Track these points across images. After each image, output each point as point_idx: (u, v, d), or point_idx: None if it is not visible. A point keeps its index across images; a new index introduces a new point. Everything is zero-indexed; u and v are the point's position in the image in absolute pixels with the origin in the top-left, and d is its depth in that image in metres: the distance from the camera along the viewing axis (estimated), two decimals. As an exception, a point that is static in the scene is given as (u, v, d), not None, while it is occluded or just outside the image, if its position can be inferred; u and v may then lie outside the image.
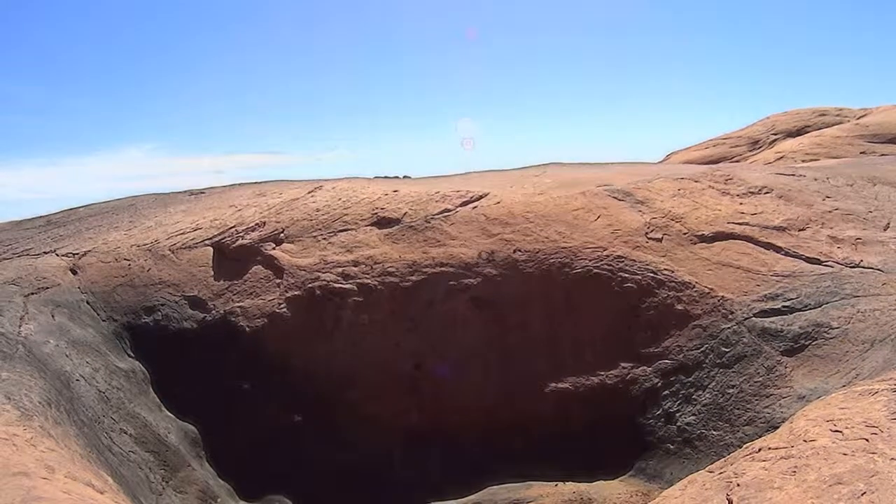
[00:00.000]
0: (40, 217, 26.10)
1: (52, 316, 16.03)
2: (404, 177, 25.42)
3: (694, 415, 13.89)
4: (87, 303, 17.71)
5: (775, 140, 44.79)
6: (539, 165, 24.02)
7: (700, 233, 16.59)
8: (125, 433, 14.43)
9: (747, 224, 16.85)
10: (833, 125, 44.47)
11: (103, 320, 17.38)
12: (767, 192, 18.46)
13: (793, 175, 20.54)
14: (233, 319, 17.12)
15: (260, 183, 25.43)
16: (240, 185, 26.15)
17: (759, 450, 9.18)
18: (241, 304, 17.30)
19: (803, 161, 35.18)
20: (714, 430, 13.45)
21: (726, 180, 19.12)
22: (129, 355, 16.86)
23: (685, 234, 16.57)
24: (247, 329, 16.92)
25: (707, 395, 14.01)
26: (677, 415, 14.18)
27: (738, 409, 13.56)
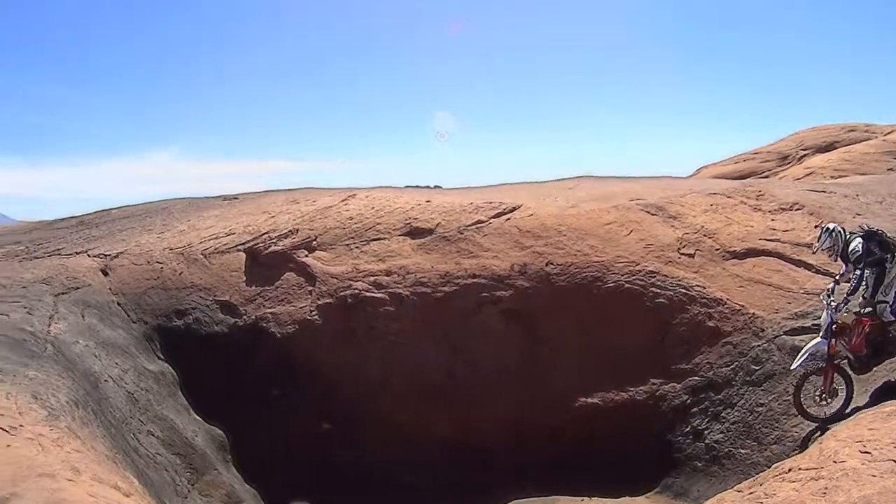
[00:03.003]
0: (72, 217, 26.19)
1: (82, 316, 16.05)
2: (435, 186, 25.37)
3: (722, 432, 13.78)
4: (118, 304, 17.73)
5: (804, 155, 44.51)
6: (572, 178, 23.93)
7: (732, 249, 16.47)
8: (152, 435, 14.43)
9: (779, 241, 16.71)
10: (861, 141, 44.14)
11: (134, 322, 17.40)
12: (798, 209, 18.32)
13: (823, 191, 20.40)
14: (263, 325, 17.14)
15: (293, 190, 25.40)
16: (273, 191, 26.15)
17: (789, 470, 9.16)
18: (272, 310, 17.31)
19: (832, 177, 34.90)
20: (742, 449, 13.32)
21: (758, 196, 18.99)
22: (158, 357, 16.88)
23: (717, 249, 16.46)
24: (277, 335, 16.93)
25: (736, 413, 13.89)
26: (706, 432, 14.08)
27: (766, 427, 13.41)
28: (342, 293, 17.08)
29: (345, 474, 15.53)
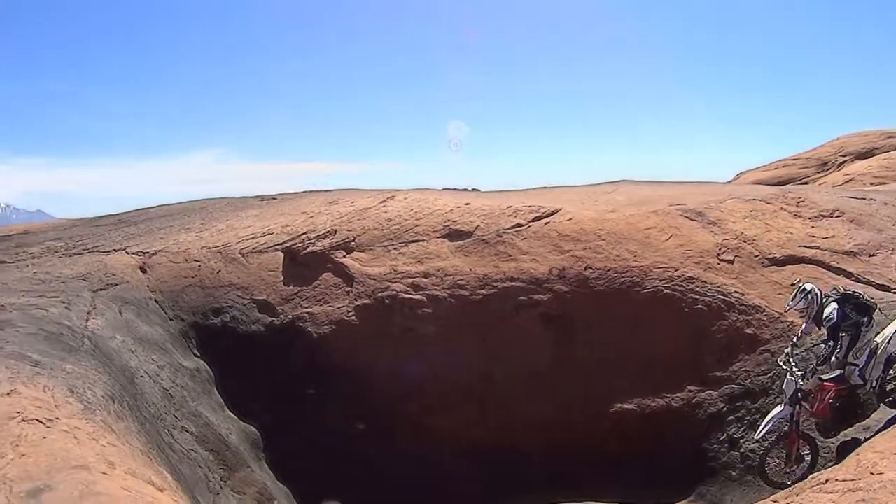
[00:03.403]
0: (112, 215, 26.38)
1: (120, 312, 16.13)
2: (473, 189, 25.35)
3: (758, 442, 13.71)
4: (156, 301, 17.84)
5: (844, 162, 44.16)
6: (611, 182, 23.87)
7: (771, 255, 16.28)
8: (187, 431, 14.47)
9: (818, 248, 16.54)
10: (901, 148, 43.91)
11: (171, 319, 17.51)
12: (839, 216, 18.15)
13: (863, 199, 20.19)
14: (300, 325, 17.16)
15: (332, 191, 25.44)
16: (311, 192, 26.19)
17: (826, 481, 9.07)
18: (309, 309, 17.32)
19: (871, 184, 34.69)
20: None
21: (798, 202, 18.82)
22: (194, 355, 16.97)
23: (756, 256, 16.28)
24: (314, 335, 16.95)
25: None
26: (741, 441, 13.90)
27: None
28: (380, 294, 17.08)
29: (378, 475, 15.51)
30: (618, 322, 15.73)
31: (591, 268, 16.32)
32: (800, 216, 18.04)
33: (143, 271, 18.73)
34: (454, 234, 18.07)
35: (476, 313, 16.48)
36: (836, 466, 10.12)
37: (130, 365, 14.40)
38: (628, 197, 19.93)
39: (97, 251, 20.34)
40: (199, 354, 17.05)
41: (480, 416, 15.81)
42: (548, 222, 17.82)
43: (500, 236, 17.57)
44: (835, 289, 12.13)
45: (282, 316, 17.47)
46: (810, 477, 10.40)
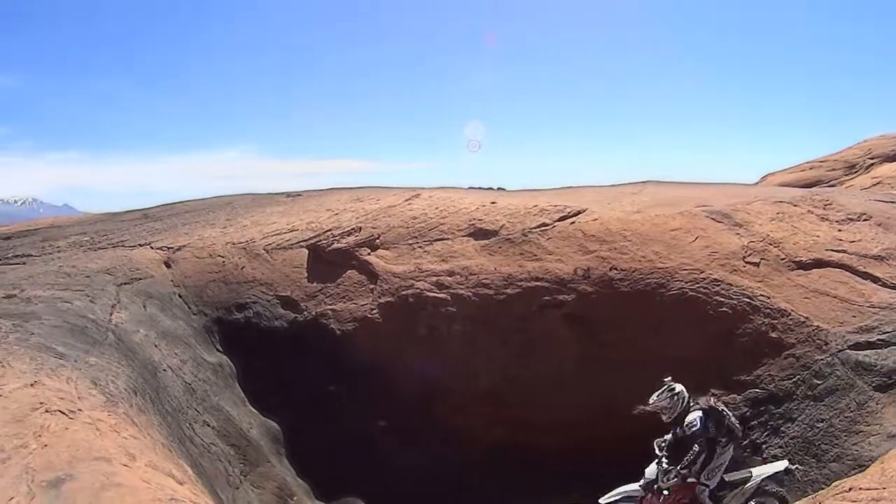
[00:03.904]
0: (137, 210, 26.53)
1: (144, 306, 16.19)
2: (498, 188, 25.31)
3: (781, 447, 13.51)
4: (179, 296, 17.91)
5: (872, 164, 43.89)
6: (637, 183, 23.78)
7: (798, 259, 16.14)
8: (208, 425, 14.52)
9: (845, 252, 16.38)
10: (931, 150, 43.72)
11: (194, 314, 17.57)
12: (866, 220, 17.97)
13: (891, 202, 20.03)
14: (324, 321, 17.18)
15: (357, 188, 25.48)
16: (337, 189, 26.27)
17: (850, 489, 9.00)
18: (332, 306, 17.34)
19: (900, 187, 34.58)
20: (800, 465, 12.98)
21: (825, 205, 18.66)
22: (217, 349, 17.03)
23: (783, 259, 16.16)
24: (337, 332, 16.98)
25: (795, 428, 13.63)
26: (764, 446, 13.80)
27: (825, 444, 13.16)
28: (404, 292, 17.06)
29: (398, 473, 15.50)
30: (642, 324, 15.65)
31: (616, 269, 16.24)
32: (827, 219, 17.91)
33: (168, 266, 18.80)
34: (479, 233, 18.01)
35: (500, 313, 16.42)
36: (860, 474, 10.05)
37: (153, 359, 14.48)
38: (654, 198, 19.83)
39: (122, 246, 20.44)
40: (221, 349, 17.12)
41: (502, 415, 15.75)
42: (573, 222, 17.74)
43: (526, 236, 17.49)
44: (706, 398, 11.88)
45: (305, 312, 17.51)
46: (833, 485, 10.33)
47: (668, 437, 12.07)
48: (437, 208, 19.60)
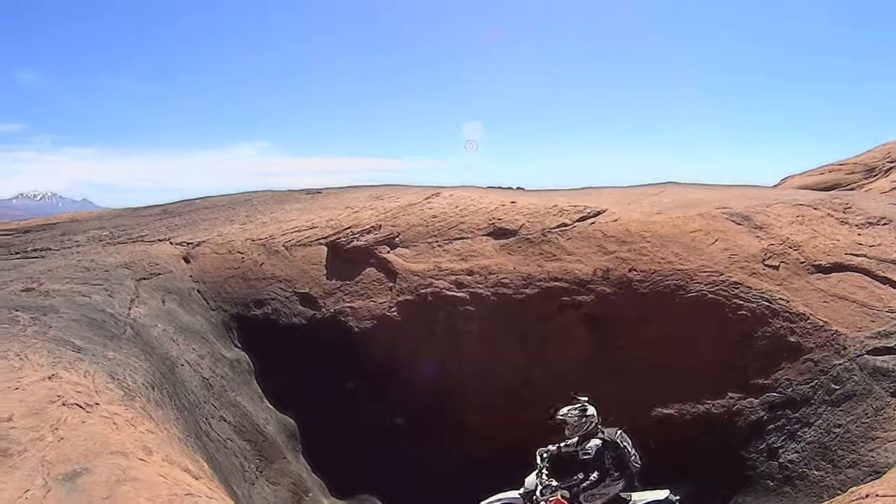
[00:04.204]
0: (157, 206, 26.58)
1: (163, 301, 16.22)
2: (518, 188, 25.31)
3: (797, 452, 13.49)
4: (198, 291, 17.93)
5: (891, 168, 43.46)
6: (657, 184, 23.76)
7: (817, 262, 16.08)
8: (224, 420, 14.54)
9: (865, 256, 16.32)
10: (951, 154, 43.40)
11: (212, 309, 17.58)
12: (885, 224, 17.87)
13: (911, 206, 20.04)
14: (342, 319, 17.17)
15: (377, 186, 25.52)
16: (356, 187, 26.31)
17: (866, 496, 8.95)
18: (351, 304, 17.33)
19: (919, 191, 34.39)
20: (816, 470, 13.04)
21: (845, 209, 18.58)
22: (235, 345, 17.04)
23: (802, 262, 16.10)
24: (355, 329, 16.96)
25: (812, 433, 13.59)
26: (780, 451, 13.77)
27: (842, 449, 13.11)
28: (422, 291, 17.05)
29: (414, 471, 15.49)
30: (660, 325, 15.61)
31: (635, 270, 16.20)
32: (846, 223, 17.86)
33: (187, 262, 18.82)
34: (499, 233, 17.99)
35: (518, 312, 16.39)
36: (877, 480, 10.01)
37: (171, 353, 14.51)
38: (674, 199, 19.80)
39: (141, 241, 20.48)
40: (239, 345, 17.13)
41: (518, 415, 15.64)
42: (593, 223, 17.71)
43: (545, 235, 17.47)
44: (616, 430, 11.87)
45: (324, 309, 17.50)
46: (849, 491, 10.30)
47: (552, 448, 12.18)
48: (456, 207, 19.58)
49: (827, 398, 13.79)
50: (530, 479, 11.99)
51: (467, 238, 18.06)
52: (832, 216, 18.17)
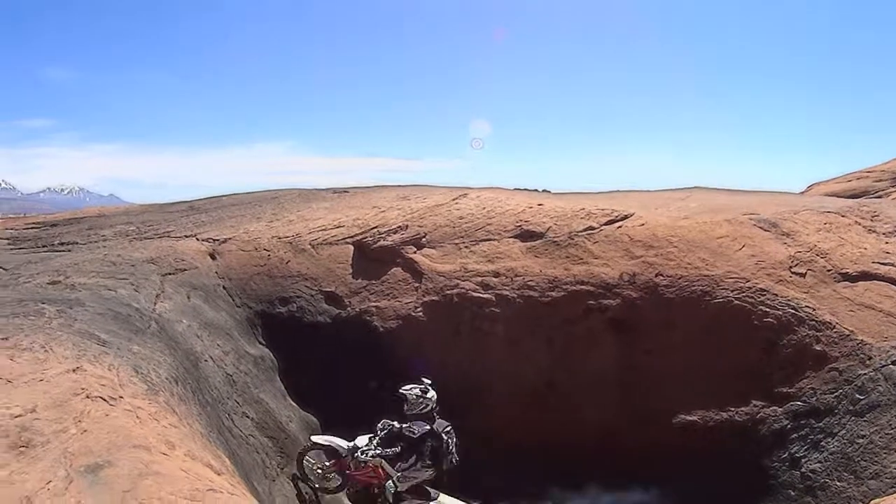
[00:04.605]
0: (184, 202, 26.66)
1: (188, 297, 16.25)
2: (543, 190, 25.30)
3: (820, 462, 13.41)
4: (224, 288, 17.96)
5: (920, 176, 43.39)
6: (684, 189, 23.70)
7: (844, 271, 15.96)
8: (247, 417, 14.56)
9: (892, 265, 16.12)
10: (980, 160, 43.06)
11: (238, 306, 17.62)
12: (913, 233, 17.89)
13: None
14: (367, 318, 17.19)
15: (404, 186, 25.52)
16: (383, 186, 26.33)
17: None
18: (376, 303, 17.35)
19: (947, 199, 34.17)
20: (838, 481, 12.96)
21: (873, 217, 18.43)
22: (259, 342, 17.06)
23: (829, 270, 15.98)
24: (380, 329, 16.98)
25: (835, 443, 13.49)
26: (803, 460, 13.68)
27: (865, 460, 13.00)
28: (448, 292, 17.05)
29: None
30: (686, 331, 15.58)
31: (661, 275, 16.15)
32: (874, 231, 17.74)
33: (213, 258, 18.87)
34: (526, 235, 17.96)
35: (544, 315, 16.38)
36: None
37: (195, 349, 14.53)
38: (701, 204, 19.74)
39: (168, 236, 20.54)
40: (263, 342, 17.15)
41: (542, 417, 15.68)
42: (620, 226, 17.67)
43: (572, 239, 17.43)
44: (447, 424, 12.44)
45: (349, 308, 17.52)
46: (872, 502, 10.26)
47: (394, 423, 12.37)
48: (483, 209, 19.57)
49: (851, 408, 13.69)
50: (362, 439, 12.64)
51: (494, 240, 18.04)
52: (860, 224, 18.07)
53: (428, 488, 12.41)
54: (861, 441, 13.23)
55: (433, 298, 17.06)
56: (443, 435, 12.12)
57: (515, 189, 24.77)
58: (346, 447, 12.75)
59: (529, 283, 16.68)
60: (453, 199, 20.71)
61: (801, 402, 14.26)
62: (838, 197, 31.10)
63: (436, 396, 12.32)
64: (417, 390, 12.21)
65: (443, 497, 12.44)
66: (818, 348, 14.55)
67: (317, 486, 13.50)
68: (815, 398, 14.14)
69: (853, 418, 13.57)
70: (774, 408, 14.44)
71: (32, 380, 8.92)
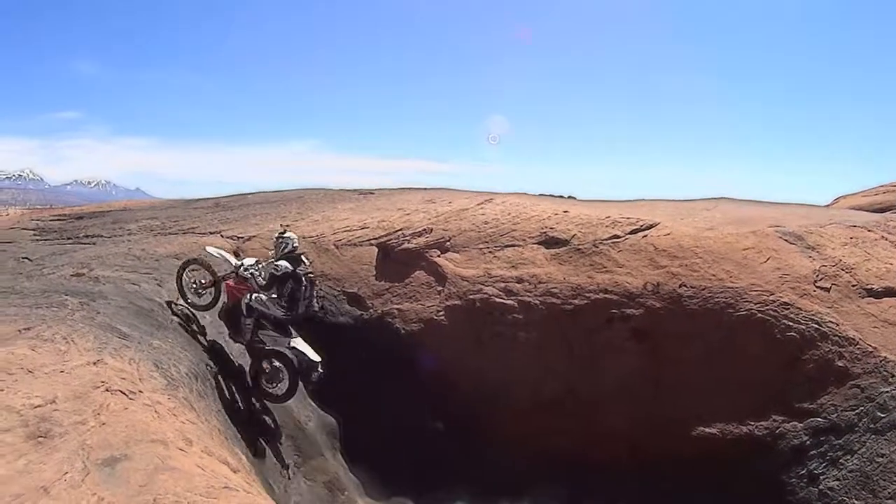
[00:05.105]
0: (209, 199, 26.76)
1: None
2: (569, 196, 25.26)
3: (838, 479, 13.35)
4: (247, 286, 18.05)
5: (949, 190, 43.10)
6: (710, 199, 23.61)
7: (869, 286, 15.89)
8: (265, 415, 14.65)
9: (919, 281, 16.23)
10: None
11: (260, 305, 17.68)
12: (940, 248, 17.76)
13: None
14: (389, 320, 17.19)
15: (429, 189, 25.54)
16: (409, 189, 26.36)
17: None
18: (399, 306, 17.33)
19: (976, 214, 33.95)
20: (856, 500, 13.00)
21: (900, 232, 18.47)
22: (280, 341, 17.13)
23: (854, 286, 15.90)
24: (402, 331, 16.98)
25: (854, 461, 13.45)
26: (821, 477, 13.63)
27: (884, 479, 12.99)
28: (471, 296, 17.01)
29: (452, 476, 15.49)
30: (708, 343, 15.48)
31: (685, 285, 16.08)
32: (901, 246, 17.67)
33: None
34: (550, 242, 17.93)
35: (566, 323, 16.33)
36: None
37: (217, 345, 14.57)
38: (727, 215, 19.67)
39: (192, 232, 20.60)
40: (285, 341, 17.18)
41: (562, 425, 15.62)
42: (645, 236, 17.61)
43: (597, 247, 17.38)
44: (312, 271, 14.39)
45: (371, 310, 17.52)
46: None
47: (281, 262, 13.91)
48: (509, 214, 19.54)
49: (872, 426, 13.65)
50: (249, 260, 14.68)
51: (518, 245, 18.00)
52: (886, 239, 17.99)
53: (291, 328, 13.95)
54: (881, 460, 13.20)
55: (456, 303, 17.04)
56: (302, 278, 13.83)
57: (541, 195, 24.75)
58: (234, 263, 14.50)
59: (552, 290, 16.64)
60: (479, 204, 20.70)
61: (821, 418, 14.19)
62: (865, 210, 30.97)
63: (296, 238, 14.22)
64: (277, 234, 14.31)
65: (299, 340, 13.84)
66: (840, 364, 14.49)
67: (189, 300, 14.90)
68: (835, 415, 14.08)
69: (873, 436, 13.53)
70: (794, 423, 14.37)
71: (53, 371, 8.95)
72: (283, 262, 13.62)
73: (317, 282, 14.58)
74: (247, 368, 14.81)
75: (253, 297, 13.80)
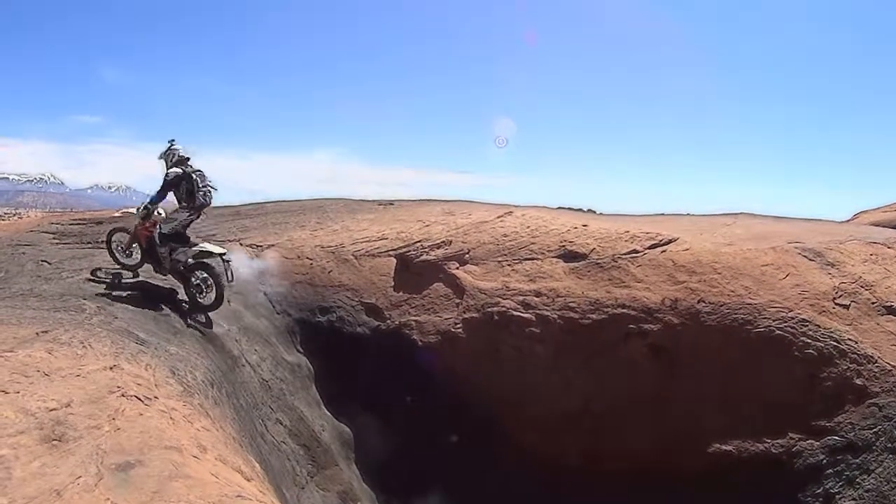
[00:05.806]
0: (229, 206, 26.77)
1: (228, 301, 16.25)
2: (589, 210, 25.26)
3: (854, 499, 13.19)
4: (264, 294, 18.01)
5: (971, 205, 42.89)
6: (729, 214, 23.57)
7: (889, 304, 15.71)
8: (280, 423, 14.59)
9: (939, 299, 16.14)
10: None
11: (277, 313, 17.65)
12: (960, 265, 17.67)
13: None
14: (406, 332, 17.17)
15: (449, 201, 25.48)
16: (429, 200, 26.31)
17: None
18: (416, 317, 17.32)
19: None
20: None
21: (921, 248, 18.36)
22: (297, 350, 17.09)
23: (874, 303, 15.76)
24: (419, 343, 16.94)
25: (871, 481, 13.29)
26: (837, 497, 13.46)
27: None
28: (489, 309, 16.97)
29: (465, 489, 15.51)
30: (726, 359, 15.36)
31: (704, 301, 16.00)
32: (922, 263, 17.58)
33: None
34: (569, 256, 17.88)
35: (584, 337, 16.26)
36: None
37: (233, 353, 14.60)
38: (746, 231, 19.60)
39: (211, 240, 20.67)
40: (301, 350, 17.19)
41: (577, 440, 15.59)
42: (664, 251, 17.56)
43: (615, 261, 17.34)
44: (201, 174, 14.86)
45: (389, 321, 17.51)
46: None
47: (171, 170, 14.75)
48: (528, 227, 19.51)
49: (889, 445, 13.52)
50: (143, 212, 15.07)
51: (537, 259, 17.97)
52: (906, 256, 17.91)
53: (189, 237, 15.38)
54: (898, 480, 13.12)
55: (473, 315, 17.02)
56: (193, 176, 14.58)
57: (560, 208, 24.73)
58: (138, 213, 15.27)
59: (571, 304, 16.60)
60: (498, 217, 20.67)
61: (838, 436, 14.06)
62: (885, 227, 30.84)
63: (181, 148, 14.92)
64: (165, 146, 14.96)
65: (205, 243, 15.04)
66: (859, 382, 14.38)
67: (122, 262, 15.83)
68: (853, 433, 13.95)
69: (891, 456, 13.42)
70: (811, 441, 14.26)
71: (69, 374, 9.00)
72: (173, 169, 14.49)
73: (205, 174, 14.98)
74: (263, 375, 14.89)
75: (160, 226, 14.58)
